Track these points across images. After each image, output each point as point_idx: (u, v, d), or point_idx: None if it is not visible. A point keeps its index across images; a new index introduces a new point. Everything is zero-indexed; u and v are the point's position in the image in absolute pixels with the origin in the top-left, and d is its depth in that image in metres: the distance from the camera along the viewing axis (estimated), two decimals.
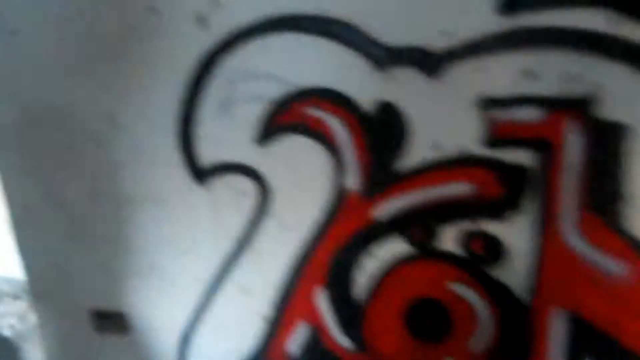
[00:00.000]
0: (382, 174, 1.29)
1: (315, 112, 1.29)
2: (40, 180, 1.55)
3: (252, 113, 1.34)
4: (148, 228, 1.50)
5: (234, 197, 1.41)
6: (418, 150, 1.25)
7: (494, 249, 1.26)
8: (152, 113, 1.38)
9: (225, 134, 1.37)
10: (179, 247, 1.48)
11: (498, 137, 1.19)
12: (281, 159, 1.36)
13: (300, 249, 1.39)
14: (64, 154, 1.49)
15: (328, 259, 1.38)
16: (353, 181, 1.32)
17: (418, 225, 1.30)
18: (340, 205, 1.34)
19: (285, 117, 1.32)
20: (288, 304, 1.43)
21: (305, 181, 1.35)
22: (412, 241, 1.31)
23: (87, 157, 1.47)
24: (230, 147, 1.38)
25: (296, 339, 1.45)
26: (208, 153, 1.40)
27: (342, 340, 1.42)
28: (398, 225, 1.31)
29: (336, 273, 1.38)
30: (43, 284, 1.67)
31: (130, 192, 1.47)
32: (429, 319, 1.35)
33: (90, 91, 1.41)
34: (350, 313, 1.40)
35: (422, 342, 1.36)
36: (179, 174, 1.41)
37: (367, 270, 1.36)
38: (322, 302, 1.40)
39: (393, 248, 1.33)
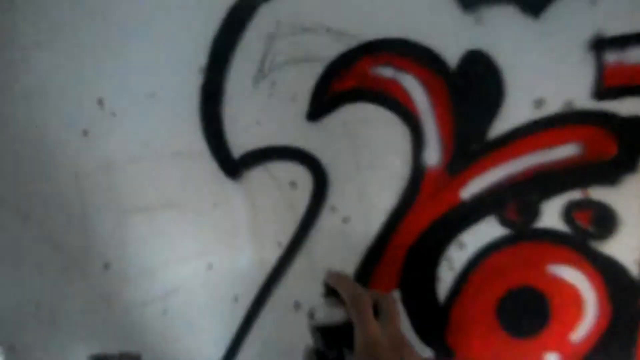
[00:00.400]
0: (470, 144, 1.06)
1: (386, 72, 1.03)
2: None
3: (299, 79, 1.05)
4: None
5: (277, 190, 1.11)
6: (516, 110, 1.03)
7: (603, 221, 1.08)
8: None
9: (264, 110, 1.07)
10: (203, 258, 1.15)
11: (611, 85, 1.01)
12: (340, 136, 1.08)
13: (368, 246, 1.12)
14: None
15: (403, 255, 1.12)
16: (435, 156, 1.07)
17: (513, 201, 1.09)
18: (418, 187, 1.09)
19: (344, 82, 1.05)
20: None
21: (371, 162, 1.08)
22: (505, 222, 1.09)
23: None
24: (271, 126, 1.08)
25: None
26: (242, 137, 1.09)
27: (424, 351, 1.17)
28: (489, 204, 1.09)
29: (413, 271, 1.13)
30: None
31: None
32: (525, 312, 1.14)
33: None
34: (431, 317, 1.15)
35: (517, 338, 1.15)
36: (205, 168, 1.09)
37: (452, 263, 1.12)
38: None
39: (482, 233, 1.10)
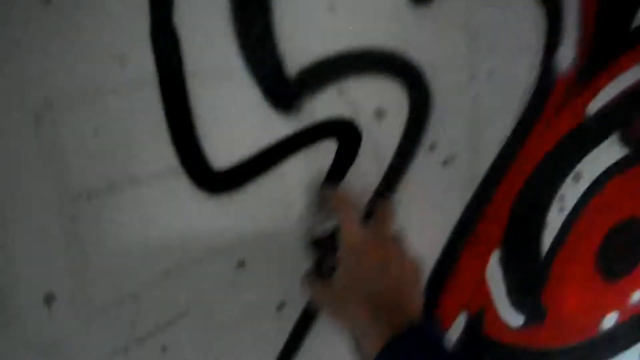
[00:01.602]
0: (611, 37, 0.75)
1: None
2: None
3: None
4: None
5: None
6: None
7: None
8: None
9: None
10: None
11: None
12: (454, 30, 0.67)
13: (472, 195, 0.78)
14: None
15: (511, 200, 0.81)
16: (569, 55, 0.74)
17: None
18: (543, 103, 0.76)
19: None
20: (443, 292, 0.82)
21: (491, 67, 0.71)
22: (628, 141, 0.84)
23: None
24: (352, 15, 0.61)
25: (449, 338, 0.87)
26: (303, 39, 0.60)
27: (511, 317, 0.91)
28: (614, 119, 0.82)
29: (520, 220, 0.83)
30: None
31: None
32: (626, 249, 0.95)
33: None
34: (530, 276, 0.89)
35: (611, 281, 0.97)
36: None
37: (564, 201, 0.85)
38: (494, 270, 0.85)
39: (602, 158, 0.84)
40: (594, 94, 0.79)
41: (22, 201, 0.53)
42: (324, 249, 0.70)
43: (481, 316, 0.88)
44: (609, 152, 0.84)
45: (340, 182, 0.69)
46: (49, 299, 0.58)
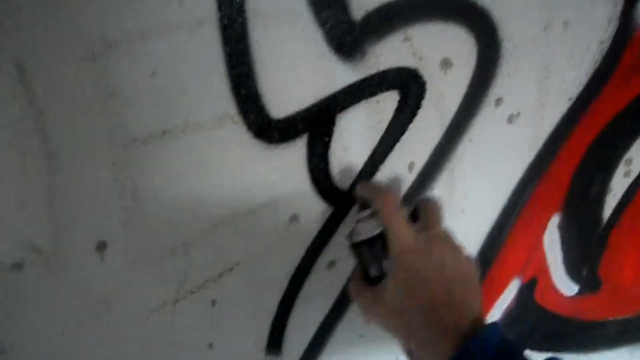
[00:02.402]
0: None
1: None
2: None
3: None
4: None
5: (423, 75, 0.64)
6: None
7: None
8: None
9: None
10: None
11: None
12: None
13: (535, 155, 0.74)
14: None
15: (576, 163, 0.77)
16: None
17: None
18: (618, 58, 0.71)
19: None
20: (499, 255, 0.80)
21: (566, 17, 0.66)
22: None
23: None
24: None
25: (500, 305, 0.85)
26: None
27: (565, 286, 0.88)
28: None
29: (583, 184, 0.79)
30: None
31: None
32: None
33: None
34: (591, 241, 0.86)
35: None
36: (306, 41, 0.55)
37: (630, 165, 0.81)
38: (552, 235, 0.82)
39: None
40: None
41: (76, 143, 0.52)
42: (370, 253, 0.65)
43: (534, 283, 0.86)
44: None
45: (401, 136, 0.66)
46: (100, 247, 0.58)
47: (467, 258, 0.63)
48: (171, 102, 0.54)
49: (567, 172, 0.77)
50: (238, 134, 0.58)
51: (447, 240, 0.64)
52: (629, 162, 0.80)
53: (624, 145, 0.79)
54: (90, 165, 0.53)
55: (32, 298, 0.56)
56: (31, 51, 0.47)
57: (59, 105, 0.50)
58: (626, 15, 0.68)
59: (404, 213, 0.63)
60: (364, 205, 0.67)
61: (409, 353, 0.63)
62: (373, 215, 0.64)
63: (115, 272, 0.59)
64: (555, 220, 0.81)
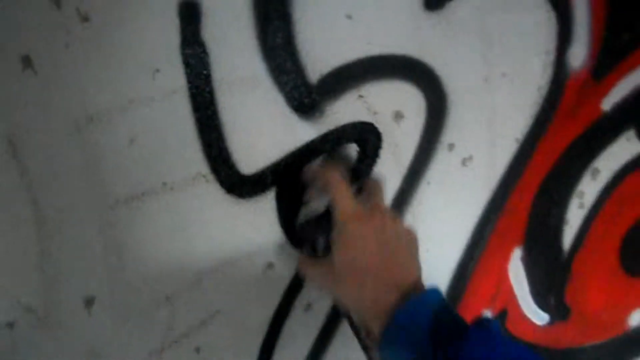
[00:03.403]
0: (622, 35, 0.78)
1: None
2: None
3: None
4: None
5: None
6: None
7: None
8: None
9: (358, 2, 0.64)
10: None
11: None
12: (467, 32, 0.71)
13: (491, 193, 0.81)
14: None
15: (530, 199, 0.84)
16: (581, 54, 0.78)
17: None
18: (558, 99, 0.79)
19: None
20: (466, 290, 0.85)
21: (505, 67, 0.75)
22: None
23: None
24: (368, 20, 0.65)
25: None
26: (321, 45, 0.64)
27: (535, 315, 0.94)
28: (631, 114, 0.85)
29: (540, 217, 0.86)
30: None
31: None
32: None
33: None
34: (554, 271, 0.92)
35: (634, 278, 0.99)
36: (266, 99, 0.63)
37: (583, 198, 0.88)
38: (516, 268, 0.88)
39: (620, 152, 0.87)
40: (607, 91, 0.82)
41: (65, 209, 0.58)
42: (316, 228, 0.70)
43: (505, 314, 0.91)
44: (626, 148, 0.86)
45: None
46: (89, 302, 0.63)
47: (408, 227, 0.67)
48: (149, 165, 0.60)
49: (524, 207, 0.84)
50: (211, 191, 0.64)
51: (387, 210, 0.69)
52: (581, 194, 0.87)
53: (575, 179, 0.86)
54: (77, 227, 0.59)
55: (25, 354, 0.60)
56: (21, 127, 0.54)
57: (48, 175, 0.56)
58: (559, 63, 0.77)
59: (349, 188, 0.67)
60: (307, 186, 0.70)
61: (361, 324, 0.67)
62: (320, 192, 0.69)
63: (103, 326, 0.64)
64: (517, 253, 0.87)
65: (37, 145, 0.55)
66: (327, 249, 0.66)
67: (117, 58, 0.56)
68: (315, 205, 0.69)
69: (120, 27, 0.55)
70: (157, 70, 0.57)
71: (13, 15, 0.52)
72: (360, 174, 0.72)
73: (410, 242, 0.67)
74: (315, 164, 0.70)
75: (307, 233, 0.70)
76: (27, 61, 0.53)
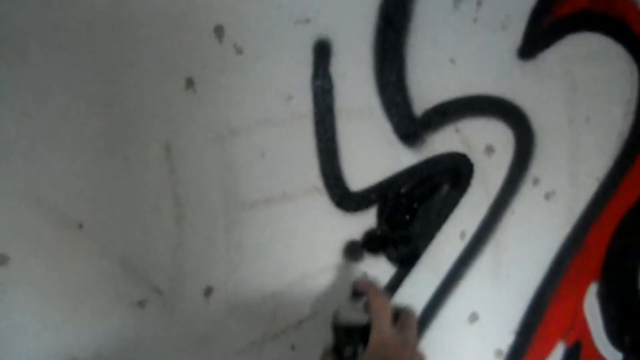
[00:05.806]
0: None
1: None
2: None
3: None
4: None
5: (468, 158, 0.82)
6: None
7: None
8: None
9: (463, 42, 0.76)
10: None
11: None
12: (554, 80, 0.81)
13: (571, 228, 0.90)
14: None
15: (608, 237, 0.92)
16: None
17: None
18: (639, 145, 0.88)
19: (572, 2, 0.78)
20: (542, 319, 0.94)
21: (588, 113, 0.84)
22: None
23: None
24: (469, 65, 0.78)
25: None
26: (428, 85, 0.77)
27: (609, 353, 1.00)
28: None
29: (618, 255, 0.93)
30: None
31: None
32: None
33: None
34: (630, 310, 0.98)
35: None
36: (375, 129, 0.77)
37: None
38: (592, 303, 0.95)
39: None
40: None
41: (200, 207, 0.70)
42: (348, 337, 0.79)
43: (579, 347, 0.97)
44: None
45: (454, 209, 0.83)
46: (208, 291, 0.74)
47: None
48: (274, 176, 0.73)
49: (602, 244, 0.92)
50: (323, 203, 0.76)
51: (416, 346, 0.78)
52: None
53: None
54: (207, 225, 0.71)
55: (150, 331, 0.71)
56: (176, 134, 0.67)
57: (191, 176, 0.69)
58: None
59: (391, 316, 0.77)
60: (355, 293, 0.82)
61: None
62: (363, 306, 0.79)
63: (217, 314, 0.75)
64: (593, 288, 0.94)
65: (186, 150, 0.68)
66: (353, 357, 0.77)
67: (260, 84, 0.69)
68: (357, 316, 0.79)
69: (266, 59, 0.69)
70: (290, 97, 0.71)
71: (183, 45, 0.66)
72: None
73: None
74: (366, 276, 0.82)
75: (340, 335, 0.81)
76: (190, 82, 0.67)
